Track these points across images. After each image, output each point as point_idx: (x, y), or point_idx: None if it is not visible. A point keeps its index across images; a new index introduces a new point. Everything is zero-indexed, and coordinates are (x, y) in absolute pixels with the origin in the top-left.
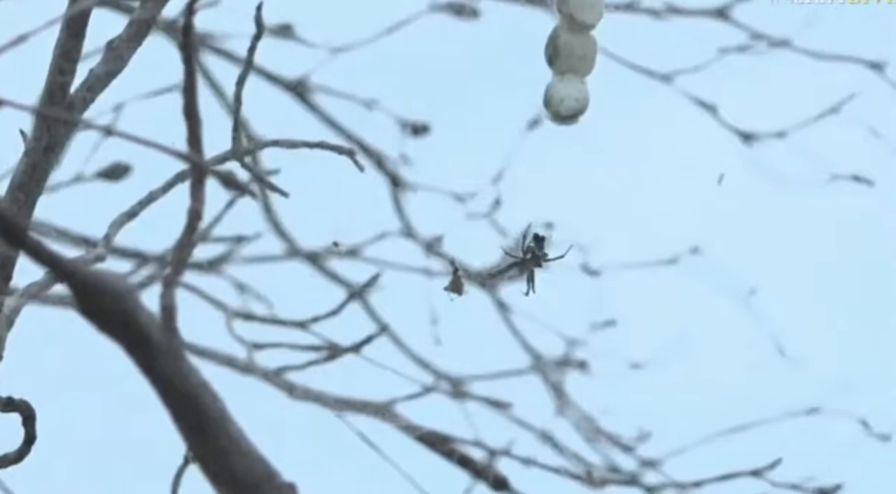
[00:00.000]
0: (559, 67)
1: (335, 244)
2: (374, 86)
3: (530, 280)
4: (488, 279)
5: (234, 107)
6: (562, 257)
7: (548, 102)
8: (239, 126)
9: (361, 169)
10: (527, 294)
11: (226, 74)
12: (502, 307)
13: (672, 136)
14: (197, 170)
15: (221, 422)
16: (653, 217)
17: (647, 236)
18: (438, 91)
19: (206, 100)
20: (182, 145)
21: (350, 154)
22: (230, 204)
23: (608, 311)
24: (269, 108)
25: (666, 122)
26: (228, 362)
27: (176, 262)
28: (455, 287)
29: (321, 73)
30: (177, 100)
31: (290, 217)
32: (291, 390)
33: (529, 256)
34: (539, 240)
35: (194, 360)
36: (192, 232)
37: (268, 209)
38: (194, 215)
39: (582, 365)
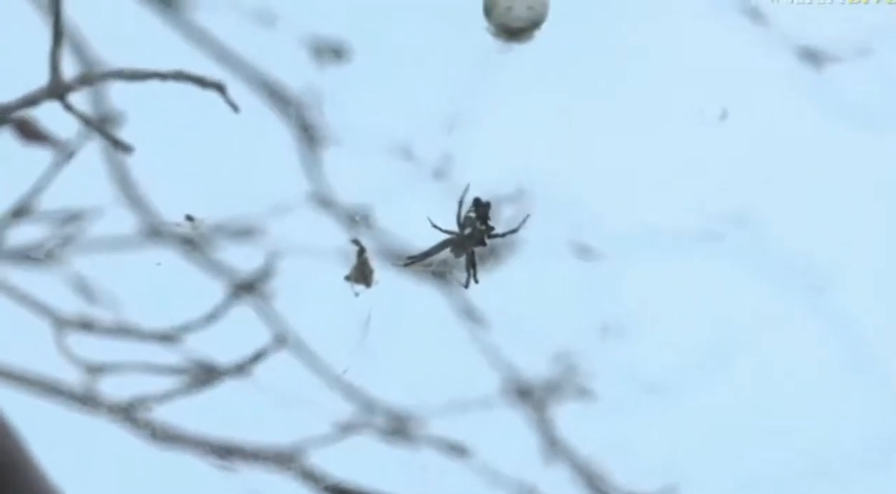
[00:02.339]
0: None
1: (189, 218)
2: None
3: (471, 264)
4: (407, 263)
5: (53, 22)
6: (514, 232)
7: (489, 9)
8: (58, 50)
9: (236, 109)
10: (467, 284)
11: None
12: (463, 307)
13: (702, 57)
14: None
15: (21, 471)
16: (675, 174)
17: (667, 203)
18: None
19: (12, 13)
20: None
21: (218, 88)
22: (58, 164)
23: (614, 313)
24: (121, 25)
25: (692, 36)
26: (56, 390)
27: None
28: (360, 275)
29: None
30: None
31: (149, 182)
32: (152, 431)
33: (469, 231)
34: (482, 208)
35: None
36: None
37: (118, 172)
38: None
39: (579, 391)
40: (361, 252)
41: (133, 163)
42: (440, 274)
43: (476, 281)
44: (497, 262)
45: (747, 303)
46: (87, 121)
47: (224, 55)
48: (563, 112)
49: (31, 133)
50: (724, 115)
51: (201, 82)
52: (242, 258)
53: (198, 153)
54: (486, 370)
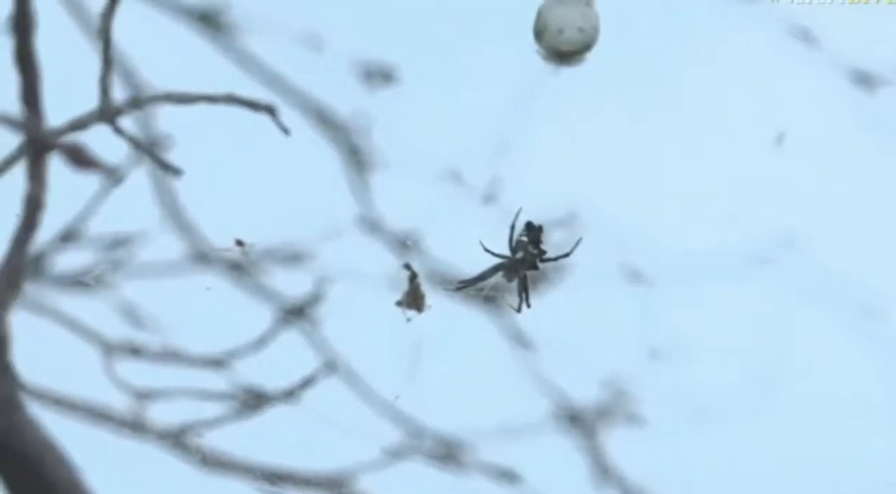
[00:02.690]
0: None
1: (238, 243)
2: (319, 18)
3: (524, 288)
4: (459, 288)
5: (103, 48)
6: (566, 256)
7: (540, 33)
8: (108, 74)
9: (286, 132)
10: (519, 309)
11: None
12: (512, 332)
13: (753, 79)
14: (34, 143)
15: None
16: (726, 198)
17: (718, 226)
18: (407, 23)
19: (63, 38)
20: (13, 107)
21: (269, 111)
22: (106, 189)
23: (664, 337)
24: (171, 50)
25: (743, 59)
26: (105, 416)
27: (9, 273)
28: (413, 300)
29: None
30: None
31: (197, 206)
32: (201, 457)
33: (521, 255)
34: (534, 231)
35: (45, 413)
36: (31, 228)
37: (167, 197)
38: (33, 204)
39: (629, 416)
40: (413, 277)
41: (182, 187)
42: (492, 299)
43: (528, 306)
44: (548, 286)
45: (798, 327)
46: (137, 144)
47: (272, 79)
48: (614, 135)
49: (80, 158)
50: (780, 139)
51: (252, 105)
52: (291, 283)
53: (246, 178)
54: (536, 395)
